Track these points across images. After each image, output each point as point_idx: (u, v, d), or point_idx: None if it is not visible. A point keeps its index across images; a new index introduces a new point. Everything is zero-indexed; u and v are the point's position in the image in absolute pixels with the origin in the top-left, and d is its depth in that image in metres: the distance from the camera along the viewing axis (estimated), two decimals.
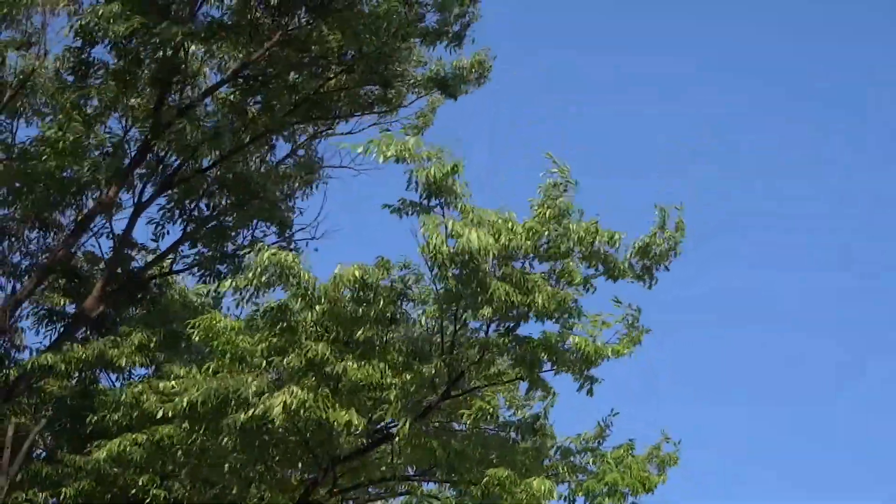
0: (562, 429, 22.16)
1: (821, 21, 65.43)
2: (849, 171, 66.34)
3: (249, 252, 20.81)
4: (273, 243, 26.77)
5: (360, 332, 19.60)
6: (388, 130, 22.15)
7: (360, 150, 19.51)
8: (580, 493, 20.79)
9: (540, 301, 18.78)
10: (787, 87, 66.16)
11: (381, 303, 19.58)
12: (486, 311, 18.78)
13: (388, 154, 18.90)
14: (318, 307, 19.61)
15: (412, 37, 26.56)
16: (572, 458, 21.25)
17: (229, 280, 20.41)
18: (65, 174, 25.32)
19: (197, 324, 20.72)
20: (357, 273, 19.35)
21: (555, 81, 65.10)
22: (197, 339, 20.74)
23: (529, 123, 57.29)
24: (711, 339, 63.15)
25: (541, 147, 19.90)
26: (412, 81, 27.75)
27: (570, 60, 66.31)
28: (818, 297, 64.00)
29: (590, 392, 20.00)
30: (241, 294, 20.08)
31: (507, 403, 22.44)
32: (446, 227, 18.66)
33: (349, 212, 37.71)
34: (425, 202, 19.25)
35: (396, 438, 19.99)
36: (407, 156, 18.95)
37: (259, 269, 19.60)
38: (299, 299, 19.86)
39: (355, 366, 19.21)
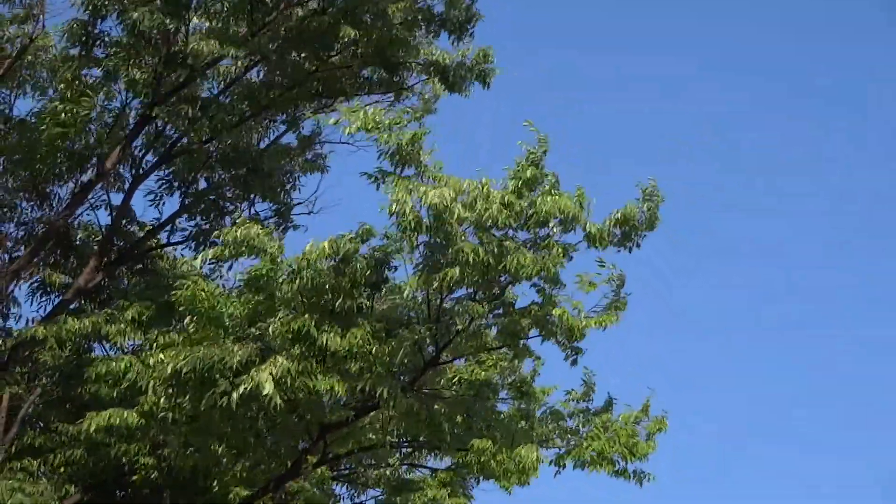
0: (555, 395, 22.15)
1: (821, 19, 65.40)
2: (849, 168, 66.18)
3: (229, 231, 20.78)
4: (269, 218, 26.86)
5: (339, 301, 19.55)
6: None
7: (332, 122, 20.16)
8: (569, 459, 20.78)
9: (513, 262, 18.67)
10: (787, 85, 66.35)
11: (361, 272, 19.54)
12: (454, 271, 18.64)
13: (353, 127, 19.09)
14: (298, 280, 19.58)
15: (417, 25, 26.57)
16: (563, 421, 21.17)
17: (209, 252, 20.46)
18: (64, 145, 25.20)
19: (180, 291, 20.76)
20: (328, 249, 19.42)
21: (555, 80, 65.26)
22: (180, 306, 20.74)
23: (532, 119, 56.92)
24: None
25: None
26: (415, 67, 27.66)
27: (570, 59, 66.72)
28: (818, 294, 63.83)
29: (574, 362, 19.97)
30: (220, 264, 20.17)
31: (497, 371, 22.32)
32: (415, 192, 18.66)
33: (348, 187, 37.61)
34: (398, 171, 19.32)
35: (385, 405, 19.93)
36: (372, 126, 18.99)
37: (231, 244, 19.73)
38: (275, 269, 19.86)
39: (337, 337, 19.15)
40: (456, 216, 18.45)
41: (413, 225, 18.67)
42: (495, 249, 18.74)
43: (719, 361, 61.80)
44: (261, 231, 19.83)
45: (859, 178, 65.53)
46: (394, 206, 18.60)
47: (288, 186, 27.90)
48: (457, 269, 18.60)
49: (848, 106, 64.67)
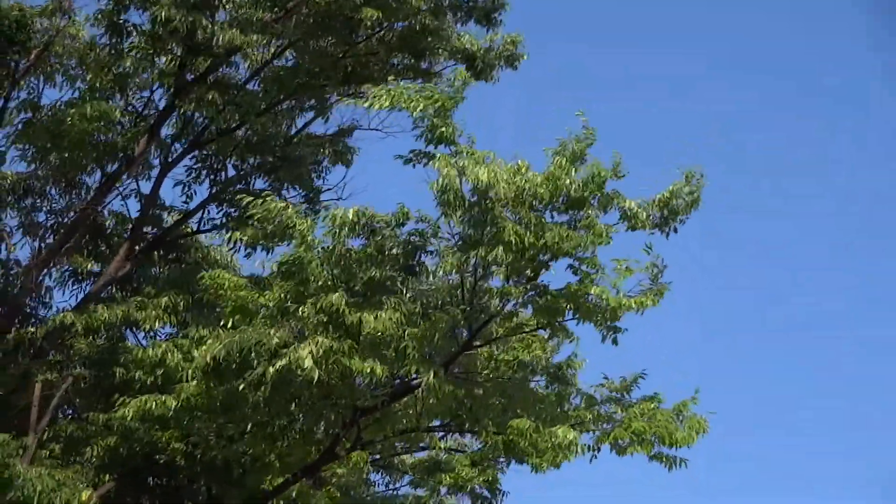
0: (590, 379, 22.04)
1: (829, 18, 64.87)
2: (854, 168, 65.94)
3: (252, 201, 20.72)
4: (299, 203, 26.80)
5: (370, 277, 19.53)
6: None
7: (365, 104, 19.90)
8: (606, 442, 20.64)
9: (550, 238, 18.60)
10: (796, 84, 65.70)
11: (396, 256, 19.47)
12: (499, 251, 18.57)
13: (385, 102, 18.99)
14: (329, 260, 19.53)
15: (443, 13, 26.53)
16: (597, 408, 21.03)
17: (238, 233, 20.40)
18: (92, 135, 25.23)
19: (204, 282, 20.79)
20: (353, 216, 19.34)
21: (563, 78, 64.77)
22: (206, 296, 20.75)
23: (540, 118, 56.81)
24: None
25: (548, 142, 19.71)
26: (443, 53, 27.58)
27: (578, 57, 66.19)
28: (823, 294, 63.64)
29: (614, 341, 19.86)
30: (250, 248, 20.15)
31: (530, 355, 22.23)
32: (460, 168, 18.58)
33: (376, 173, 37.67)
34: (432, 150, 19.32)
35: (418, 390, 19.89)
36: (402, 100, 18.97)
37: (261, 220, 19.71)
38: (309, 251, 19.82)
39: (371, 317, 19.11)
40: (500, 194, 18.33)
41: (455, 202, 18.58)
42: (534, 227, 18.65)
43: (724, 362, 61.43)
44: (290, 208, 19.74)
45: (864, 179, 65.26)
46: (439, 182, 18.50)
47: (315, 175, 27.84)
48: (499, 249, 18.49)
49: (854, 106, 64.31)
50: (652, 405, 20.92)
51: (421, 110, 18.97)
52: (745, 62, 67.39)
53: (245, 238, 20.44)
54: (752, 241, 65.38)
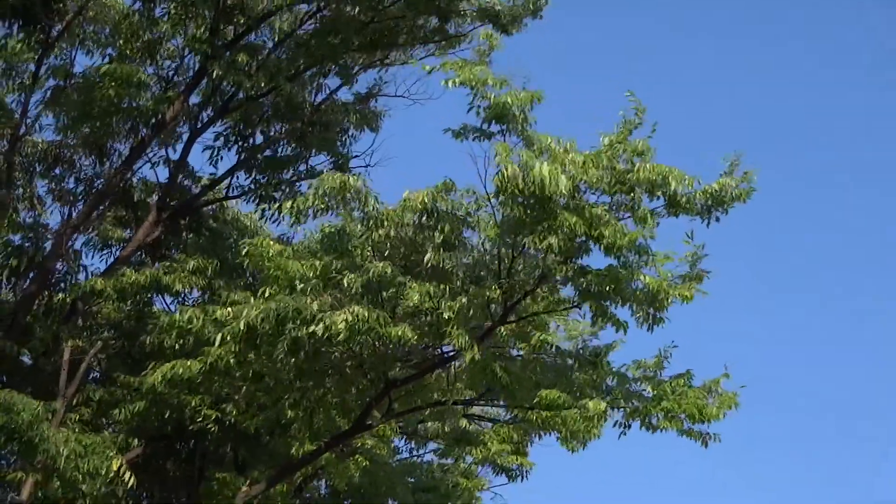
0: (623, 359, 22.12)
1: None
2: None
3: (306, 179, 20.79)
4: (328, 170, 26.83)
5: (427, 257, 19.61)
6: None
7: (427, 69, 19.92)
8: (636, 418, 20.77)
9: (607, 234, 18.68)
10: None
11: (445, 228, 19.56)
12: (553, 240, 18.61)
13: (457, 81, 19.01)
14: (381, 230, 19.61)
15: None
16: (629, 386, 21.13)
17: (290, 202, 20.39)
18: (123, 103, 25.27)
19: (248, 250, 20.83)
20: (426, 198, 19.38)
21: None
22: (246, 264, 20.78)
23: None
24: None
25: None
26: (469, 14, 27.55)
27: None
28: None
29: (650, 329, 19.90)
30: (300, 219, 20.15)
31: (567, 335, 22.31)
32: (519, 158, 18.59)
33: (402, 141, 37.63)
34: (486, 127, 19.28)
35: (455, 363, 20.00)
36: (476, 81, 18.94)
37: (321, 191, 19.69)
38: (360, 223, 19.88)
39: (416, 286, 19.21)
40: (560, 189, 18.38)
41: (515, 192, 18.63)
42: (588, 217, 18.71)
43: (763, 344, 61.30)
44: (354, 179, 19.81)
45: None
46: (502, 176, 18.52)
47: (341, 142, 27.86)
48: (554, 238, 18.56)
49: None
50: (682, 382, 21.02)
51: (508, 99, 18.90)
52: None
53: (305, 206, 20.22)
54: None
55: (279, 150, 27.55)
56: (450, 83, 19.06)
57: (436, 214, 19.53)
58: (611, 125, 19.41)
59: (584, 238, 18.94)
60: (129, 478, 21.22)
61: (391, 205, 19.91)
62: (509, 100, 18.86)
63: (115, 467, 20.99)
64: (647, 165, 18.95)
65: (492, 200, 19.42)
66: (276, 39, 26.81)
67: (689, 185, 19.14)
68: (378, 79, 28.12)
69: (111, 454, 21.21)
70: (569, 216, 18.48)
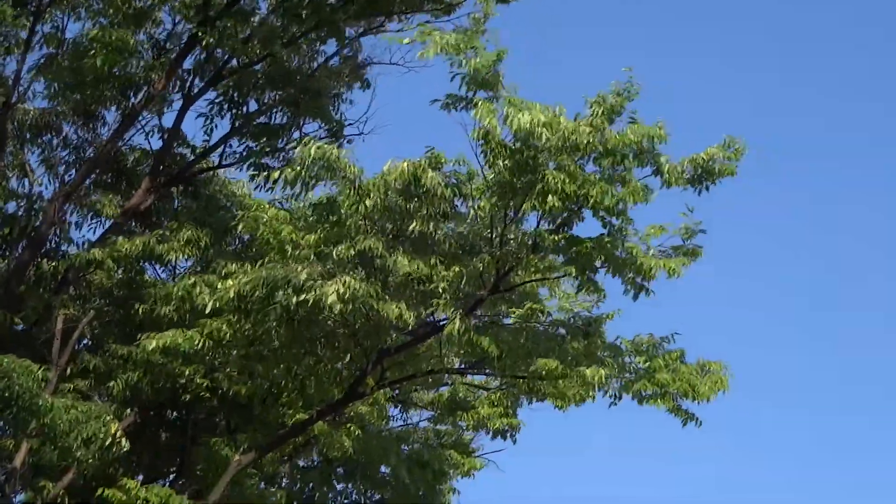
0: (619, 332, 22.19)
1: None
2: None
3: (297, 146, 20.68)
4: (322, 139, 26.71)
5: (412, 226, 19.55)
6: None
7: (406, 41, 20.06)
8: (628, 393, 20.85)
9: (595, 193, 18.61)
10: None
11: (434, 198, 19.48)
12: (551, 200, 18.56)
13: (430, 51, 19.05)
14: (367, 201, 19.55)
15: None
16: (622, 358, 21.19)
17: (279, 172, 20.34)
18: (114, 70, 25.12)
19: (244, 215, 20.77)
20: (407, 169, 19.30)
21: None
22: (242, 229, 20.77)
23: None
24: None
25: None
26: None
27: None
28: None
29: (634, 298, 19.93)
30: (290, 188, 20.10)
31: (559, 305, 22.33)
32: (502, 115, 18.56)
33: (397, 109, 37.58)
34: (470, 95, 19.26)
35: (445, 332, 19.99)
36: (450, 49, 18.91)
37: (306, 163, 19.62)
38: (349, 193, 19.81)
39: (405, 259, 19.16)
40: (543, 141, 18.29)
41: (497, 149, 18.54)
42: (579, 178, 18.65)
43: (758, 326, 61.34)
44: (336, 150, 19.72)
45: None
46: (480, 131, 18.45)
47: (334, 108, 27.68)
48: (552, 197, 18.48)
49: None
50: (675, 356, 21.11)
51: (476, 63, 18.90)
52: None
53: (290, 179, 20.15)
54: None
55: (272, 117, 27.39)
56: (423, 53, 19.05)
57: (422, 185, 19.43)
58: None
59: (575, 205, 18.87)
60: (125, 443, 21.21)
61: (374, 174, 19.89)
62: (480, 64, 18.82)
63: (112, 431, 20.95)
64: (635, 127, 18.91)
65: (484, 170, 19.37)
66: (270, 5, 26.61)
67: (661, 137, 19.07)
68: (372, 55, 27.92)
69: (109, 418, 21.17)
70: (557, 174, 18.42)
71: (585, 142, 18.57)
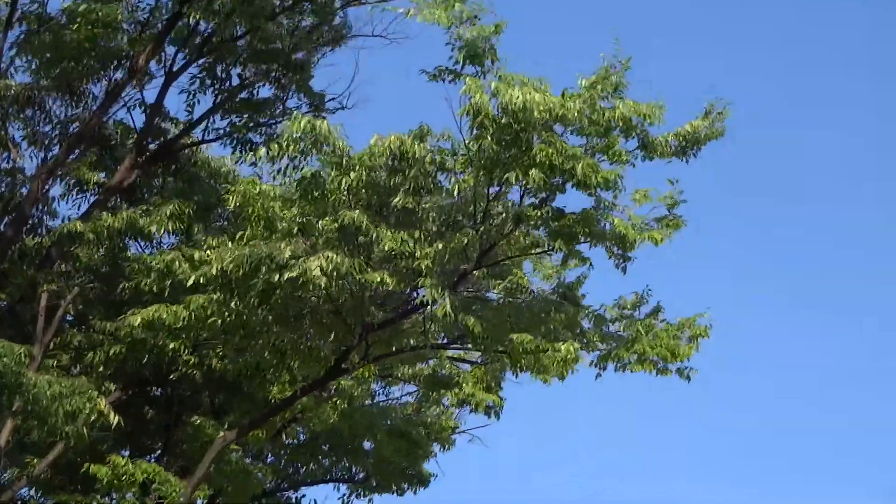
0: (602, 299, 22.23)
1: None
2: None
3: (283, 121, 20.63)
4: (305, 113, 26.61)
5: (395, 200, 19.51)
6: None
7: (402, 11, 19.78)
8: (610, 361, 20.93)
9: (580, 170, 18.60)
10: None
11: (418, 173, 19.44)
12: (533, 173, 18.52)
13: (428, 16, 18.88)
14: (352, 174, 19.49)
15: None
16: (604, 327, 21.25)
17: (263, 148, 20.30)
18: (98, 43, 24.96)
19: (234, 189, 20.71)
20: (394, 143, 19.23)
21: None
22: (232, 205, 20.71)
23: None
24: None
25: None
26: None
27: None
28: None
29: (623, 270, 20.02)
30: (275, 164, 20.06)
31: (541, 275, 22.38)
32: (490, 89, 18.51)
33: (382, 82, 37.43)
34: (460, 69, 19.17)
35: (429, 308, 19.97)
36: (445, 19, 18.84)
37: (293, 137, 19.54)
38: (333, 168, 19.76)
39: (389, 233, 19.13)
40: (534, 117, 18.27)
41: (486, 123, 18.53)
42: (564, 153, 18.62)
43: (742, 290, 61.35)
44: (326, 124, 19.64)
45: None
46: (470, 105, 18.44)
47: (315, 63, 27.48)
48: (534, 171, 18.45)
49: None
50: (652, 321, 21.21)
51: (472, 32, 18.85)
52: None
53: (275, 153, 20.09)
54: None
55: (255, 92, 27.29)
56: (414, 15, 19.01)
57: (407, 159, 19.37)
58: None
59: (559, 178, 18.87)
60: (115, 417, 21.15)
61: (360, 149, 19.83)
62: (475, 34, 18.77)
63: (101, 407, 20.86)
64: (627, 102, 18.89)
65: (469, 144, 19.32)
66: None
67: (658, 116, 19.07)
68: (345, 15, 27.69)
69: (94, 394, 21.11)
70: (544, 147, 18.40)
71: (573, 116, 18.52)
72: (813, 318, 60.68)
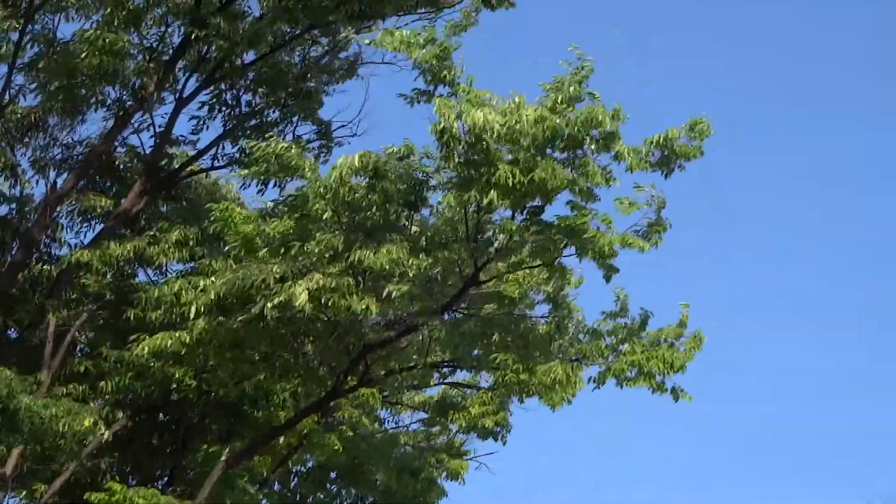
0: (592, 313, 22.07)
1: None
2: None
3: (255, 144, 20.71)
4: (311, 141, 26.68)
5: (372, 214, 19.53)
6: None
7: (368, 42, 20.78)
8: (609, 376, 20.75)
9: (538, 175, 18.42)
10: None
11: (396, 188, 19.40)
12: (493, 195, 18.45)
13: (390, 46, 19.42)
14: (328, 196, 19.46)
15: None
16: (600, 341, 21.11)
17: (246, 170, 20.46)
18: (106, 69, 25.05)
19: (213, 214, 20.82)
20: (357, 162, 19.23)
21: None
22: (213, 229, 20.83)
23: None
24: None
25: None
26: None
27: None
28: None
29: (607, 279, 19.89)
30: (262, 185, 20.16)
31: (531, 286, 22.29)
32: (457, 111, 18.52)
33: (390, 108, 37.49)
34: (432, 90, 19.30)
35: (423, 328, 19.83)
36: (406, 46, 19.19)
37: (266, 160, 19.71)
38: (313, 189, 19.78)
39: (370, 253, 19.01)
40: (494, 135, 18.21)
41: (452, 143, 18.51)
42: (524, 165, 18.49)
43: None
44: (294, 147, 19.68)
45: None
46: (438, 125, 18.45)
47: (325, 97, 27.56)
48: (493, 193, 18.40)
49: None
50: (647, 332, 21.03)
51: (422, 56, 19.02)
52: None
53: (251, 174, 20.31)
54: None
55: (265, 118, 27.26)
56: (387, 46, 19.39)
57: (385, 175, 19.35)
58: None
59: (525, 194, 18.73)
60: (103, 430, 21.15)
61: None
62: (425, 57, 18.99)
63: (87, 423, 20.90)
64: (583, 108, 18.76)
65: (439, 164, 19.35)
66: (264, 5, 26.49)
67: (618, 117, 18.85)
68: (363, 54, 27.80)
69: (83, 411, 21.13)
70: (505, 166, 18.30)
71: (535, 133, 18.41)
72: (811, 320, 60.77)
